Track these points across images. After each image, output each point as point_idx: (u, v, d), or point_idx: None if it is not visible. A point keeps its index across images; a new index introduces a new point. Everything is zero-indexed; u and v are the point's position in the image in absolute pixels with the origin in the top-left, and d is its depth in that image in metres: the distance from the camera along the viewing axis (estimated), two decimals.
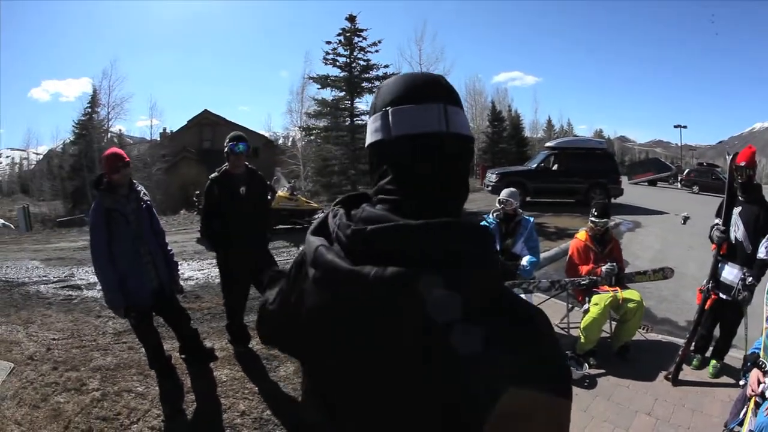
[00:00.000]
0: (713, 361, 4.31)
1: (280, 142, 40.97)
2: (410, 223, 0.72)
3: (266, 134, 40.56)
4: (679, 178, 29.81)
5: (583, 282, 4.62)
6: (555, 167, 16.42)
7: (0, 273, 7.98)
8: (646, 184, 29.83)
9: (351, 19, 21.21)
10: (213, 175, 4.24)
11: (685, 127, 52.37)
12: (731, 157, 4.17)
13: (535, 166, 16.97)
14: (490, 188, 16.08)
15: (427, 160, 0.79)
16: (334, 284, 0.75)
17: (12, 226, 21.64)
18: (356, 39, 21.27)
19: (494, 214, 5.04)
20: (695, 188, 25.25)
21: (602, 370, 4.28)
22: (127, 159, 3.61)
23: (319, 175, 23.11)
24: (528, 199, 15.66)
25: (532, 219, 5.03)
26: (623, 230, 12.07)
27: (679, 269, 6.81)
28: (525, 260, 4.75)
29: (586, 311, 4.44)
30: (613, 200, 15.98)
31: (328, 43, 21.40)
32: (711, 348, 4.46)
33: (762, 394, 2.68)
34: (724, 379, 4.17)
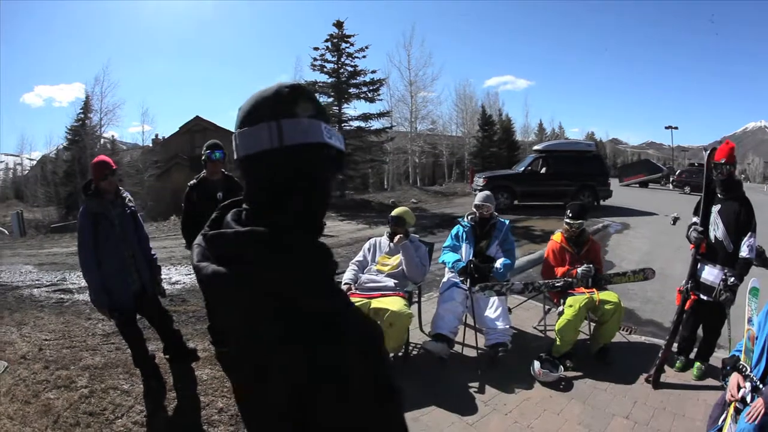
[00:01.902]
0: (697, 363, 4.25)
1: None
2: (227, 231, 0.87)
3: None
4: (671, 179, 29.97)
5: (557, 284, 4.65)
6: (543, 170, 16.57)
7: None
8: (637, 185, 29.96)
9: (338, 25, 21.50)
10: (191, 182, 4.57)
11: (676, 128, 52.57)
12: (708, 153, 4.13)
13: (522, 169, 17.12)
14: (477, 192, 16.21)
15: (258, 177, 0.91)
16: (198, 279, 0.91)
17: (6, 232, 21.80)
18: (344, 45, 21.55)
19: (469, 217, 5.13)
20: (687, 189, 25.37)
21: (579, 373, 4.28)
22: (114, 167, 3.93)
23: None
24: (516, 202, 15.98)
25: (507, 222, 5.12)
26: (611, 232, 12.23)
27: (666, 270, 6.98)
28: (499, 262, 4.78)
29: (561, 313, 4.46)
30: (602, 202, 16.20)
31: (316, 49, 21.71)
32: (695, 349, 4.40)
33: (743, 400, 2.57)
34: (709, 381, 4.09)
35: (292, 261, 0.82)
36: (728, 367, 2.77)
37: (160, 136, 37.56)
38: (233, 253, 0.85)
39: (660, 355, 4.09)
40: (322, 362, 0.77)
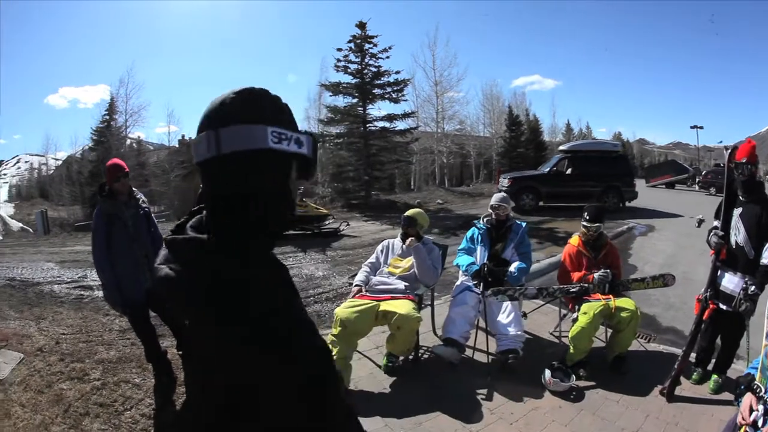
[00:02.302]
0: (714, 376, 4.05)
1: None
2: (177, 237, 0.94)
3: None
4: (697, 180, 29.28)
5: (572, 289, 4.51)
6: (569, 171, 16.37)
7: (16, 273, 8.45)
8: (663, 186, 29.38)
9: (361, 26, 21.42)
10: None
11: (701, 127, 50.82)
12: (729, 152, 3.87)
13: (548, 170, 16.91)
14: (507, 195, 16.03)
15: (207, 184, 0.96)
16: None
17: (30, 230, 22.35)
18: (367, 45, 21.46)
19: (485, 219, 5.08)
20: (712, 190, 24.70)
21: (592, 383, 4.15)
22: (127, 170, 4.09)
23: (334, 181, 23.37)
24: (541, 203, 15.85)
25: (524, 224, 5.06)
26: (636, 234, 12.03)
27: (689, 275, 6.90)
28: (513, 266, 4.70)
29: (575, 320, 4.36)
30: (627, 204, 15.98)
31: (339, 50, 21.63)
32: (713, 361, 4.17)
33: (754, 424, 2.33)
34: (726, 395, 3.82)
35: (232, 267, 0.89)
36: (742, 387, 2.50)
37: (186, 137, 38.19)
38: (182, 258, 0.91)
39: (676, 366, 3.91)
40: (250, 368, 0.85)
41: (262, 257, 0.95)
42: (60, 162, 46.42)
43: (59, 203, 36.23)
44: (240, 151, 0.90)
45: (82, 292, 7.01)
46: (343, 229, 12.78)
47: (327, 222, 12.73)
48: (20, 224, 31.75)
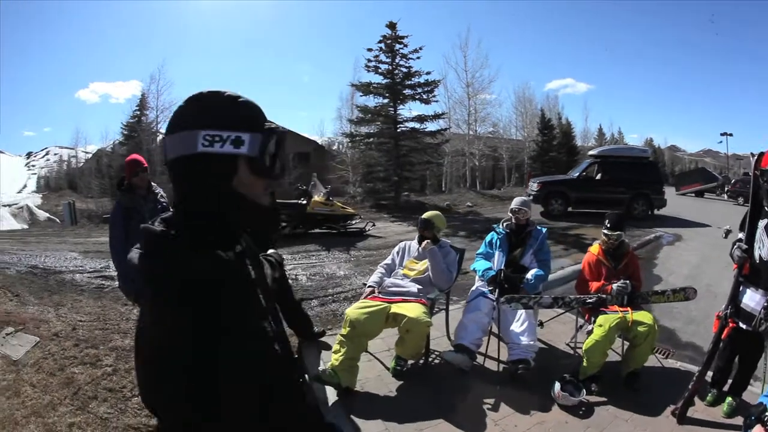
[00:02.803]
0: (729, 398, 3.84)
1: (335, 147, 41.83)
2: (145, 226, 1.06)
3: (319, 140, 41.60)
4: (726, 188, 28.62)
5: (589, 300, 4.38)
6: (598, 176, 16.16)
7: (39, 261, 8.72)
8: (693, 195, 28.91)
9: (391, 26, 21.41)
10: None
11: (731, 134, 49.53)
12: (755, 159, 3.57)
13: (577, 174, 16.73)
14: (531, 197, 15.78)
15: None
16: None
17: (57, 220, 22.85)
18: (397, 46, 21.47)
19: (504, 224, 5.01)
20: (740, 199, 24.22)
21: (603, 399, 4.00)
22: (146, 164, 4.26)
23: (365, 181, 23.41)
24: (570, 209, 15.70)
25: (544, 230, 4.96)
26: (663, 243, 11.83)
27: (713, 287, 6.71)
28: (530, 273, 4.61)
29: (590, 332, 4.23)
30: (656, 211, 15.74)
31: (370, 50, 21.72)
32: (730, 381, 3.96)
33: None
34: (739, 420, 3.63)
35: (153, 266, 1.00)
36: (752, 417, 2.32)
37: None
38: (142, 244, 1.03)
39: (690, 386, 3.71)
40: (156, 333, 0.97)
41: (200, 252, 1.01)
42: (90, 155, 47.38)
43: (88, 195, 37.00)
44: (177, 157, 1.04)
45: (102, 282, 7.20)
46: (369, 229, 12.85)
47: (353, 222, 12.84)
48: (47, 214, 32.49)
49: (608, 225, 4.58)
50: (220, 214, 1.07)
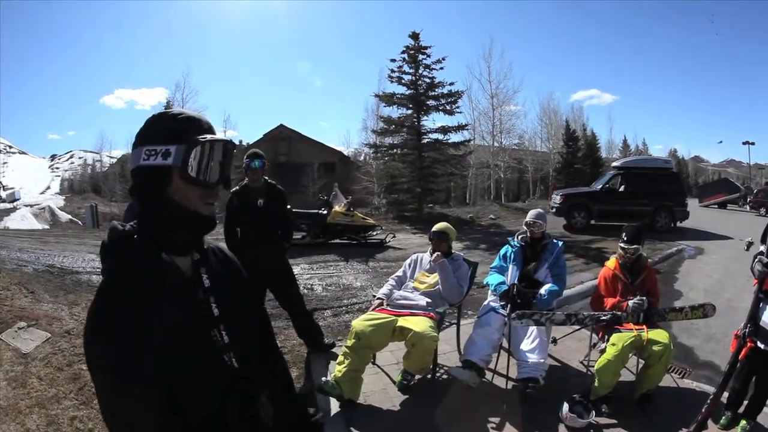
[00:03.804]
0: (743, 421, 3.70)
1: (361, 158, 42.12)
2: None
3: (344, 150, 42.18)
4: (748, 199, 28.18)
5: (603, 317, 4.25)
6: (621, 188, 16.01)
7: (56, 261, 8.91)
8: (716, 206, 28.51)
9: (414, 36, 21.37)
10: (234, 188, 4.82)
11: (752, 143, 48.87)
12: None
13: (600, 187, 16.60)
14: (554, 209, 16.01)
15: None
16: None
17: (79, 222, 23.35)
18: (420, 56, 21.44)
19: (519, 237, 4.94)
20: (762, 210, 24.00)
21: (613, 421, 3.85)
22: None
23: (388, 193, 23.34)
24: (592, 222, 15.59)
25: (560, 243, 4.86)
26: (685, 257, 11.66)
27: (734, 302, 6.56)
28: (544, 289, 4.51)
29: (603, 351, 4.12)
30: (678, 224, 15.59)
31: (393, 60, 21.73)
32: (745, 402, 3.79)
33: None
34: None
35: (102, 250, 1.20)
36: None
37: (243, 143, 39.11)
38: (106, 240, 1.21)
39: (703, 410, 3.53)
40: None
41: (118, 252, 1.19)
42: (115, 160, 48.43)
43: (111, 199, 37.78)
44: (131, 169, 1.24)
45: None
46: (389, 241, 12.87)
47: (374, 233, 12.93)
48: (69, 216, 33.21)
49: (625, 238, 4.49)
50: (164, 219, 1.21)
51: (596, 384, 4.00)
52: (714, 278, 9.39)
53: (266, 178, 4.90)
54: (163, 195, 1.20)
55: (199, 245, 1.32)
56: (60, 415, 3.74)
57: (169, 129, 1.20)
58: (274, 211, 4.87)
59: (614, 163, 18.29)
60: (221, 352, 1.25)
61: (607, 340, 4.17)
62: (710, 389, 4.13)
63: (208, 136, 1.22)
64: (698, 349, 5.67)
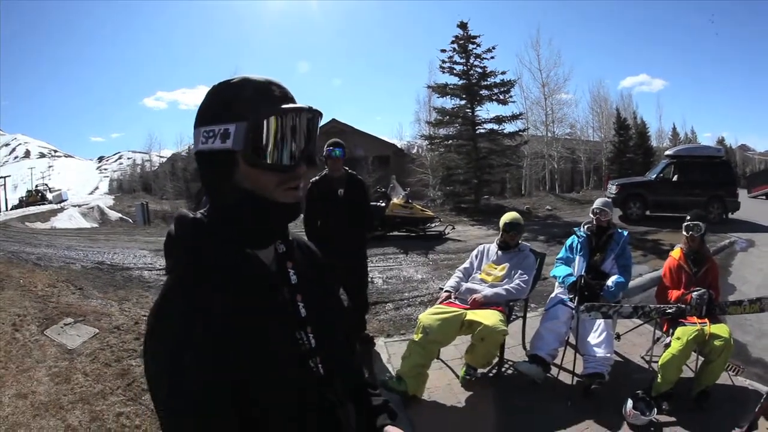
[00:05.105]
0: None
1: (414, 151, 42.10)
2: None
3: (398, 143, 42.10)
4: None
5: (669, 310, 4.19)
6: (675, 178, 15.62)
7: (107, 257, 9.14)
8: (764, 197, 27.07)
9: (463, 26, 21.24)
10: (314, 178, 4.80)
11: None
12: None
13: (654, 176, 16.25)
14: (610, 200, 15.43)
15: None
16: None
17: (129, 220, 24.11)
18: (470, 46, 21.28)
19: (585, 227, 4.93)
20: None
21: (672, 419, 3.76)
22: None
23: (444, 185, 23.33)
24: (648, 213, 15.28)
25: (626, 233, 4.84)
26: (737, 249, 11.32)
27: None
28: (611, 280, 4.51)
29: (667, 345, 4.05)
30: (729, 215, 15.12)
31: (443, 51, 21.64)
32: None
33: None
34: None
35: (170, 243, 1.02)
36: None
37: None
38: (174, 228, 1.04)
39: (756, 410, 3.46)
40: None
41: (223, 245, 1.00)
42: (164, 159, 49.89)
43: (162, 197, 38.95)
44: (195, 153, 1.05)
45: None
46: (448, 233, 12.86)
47: (432, 225, 12.96)
48: (119, 214, 34.30)
49: (689, 217, 4.51)
50: (235, 210, 1.01)
51: (659, 380, 3.92)
52: (765, 272, 9.13)
53: (346, 168, 4.92)
54: (230, 183, 0.99)
55: (284, 235, 1.15)
56: (105, 411, 3.73)
57: (228, 102, 0.98)
58: (355, 201, 4.84)
59: (667, 152, 17.86)
60: (307, 357, 1.09)
61: (672, 334, 4.11)
62: (763, 388, 4.13)
63: (281, 106, 0.98)
64: (751, 346, 5.50)
